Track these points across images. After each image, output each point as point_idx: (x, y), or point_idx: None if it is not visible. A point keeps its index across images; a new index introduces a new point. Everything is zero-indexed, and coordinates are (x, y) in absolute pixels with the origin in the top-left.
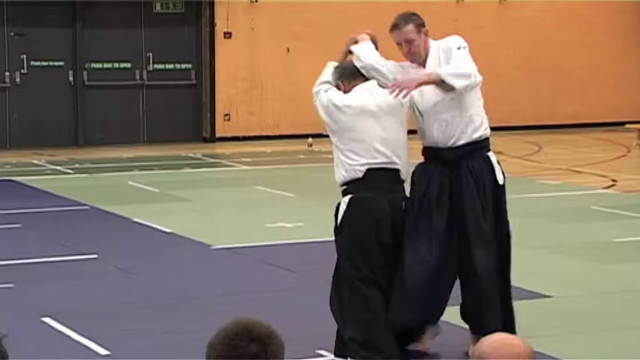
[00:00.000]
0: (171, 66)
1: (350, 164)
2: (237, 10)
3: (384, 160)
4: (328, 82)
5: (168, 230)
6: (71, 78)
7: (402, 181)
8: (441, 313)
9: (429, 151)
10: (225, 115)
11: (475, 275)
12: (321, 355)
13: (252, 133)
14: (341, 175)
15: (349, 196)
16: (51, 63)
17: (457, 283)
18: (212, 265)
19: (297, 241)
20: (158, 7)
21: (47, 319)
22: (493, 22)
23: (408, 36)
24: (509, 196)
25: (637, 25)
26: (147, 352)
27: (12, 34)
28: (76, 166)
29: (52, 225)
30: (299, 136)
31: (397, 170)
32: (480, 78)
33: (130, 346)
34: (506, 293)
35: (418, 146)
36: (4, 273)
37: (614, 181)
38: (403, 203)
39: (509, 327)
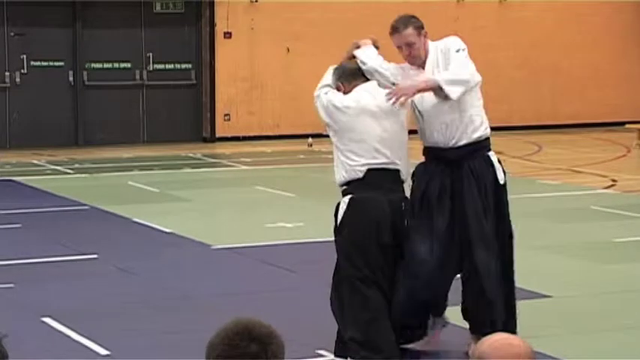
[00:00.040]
0: (171, 66)
1: (350, 164)
2: (237, 10)
3: (384, 160)
4: (329, 85)
5: (168, 230)
6: (71, 78)
7: (402, 182)
8: (444, 308)
9: (429, 151)
10: (225, 115)
11: (476, 275)
12: (321, 355)
13: (252, 133)
14: (341, 175)
15: (349, 196)
16: (51, 63)
17: (457, 283)
18: (212, 265)
19: (297, 241)
20: (158, 7)
21: (47, 319)
22: (493, 22)
23: (408, 39)
24: (509, 196)
25: (637, 25)
26: (147, 352)
27: (12, 34)
28: (76, 166)
29: (52, 225)
30: (299, 136)
31: (397, 171)
32: (479, 78)
33: (130, 346)
34: (509, 293)
35: (418, 146)
36: (4, 273)
37: (614, 181)
38: (403, 203)
39: (510, 327)
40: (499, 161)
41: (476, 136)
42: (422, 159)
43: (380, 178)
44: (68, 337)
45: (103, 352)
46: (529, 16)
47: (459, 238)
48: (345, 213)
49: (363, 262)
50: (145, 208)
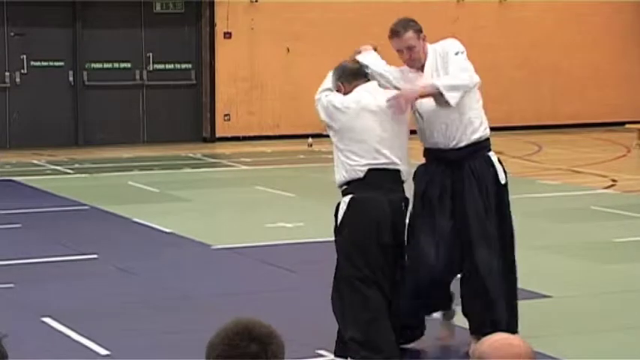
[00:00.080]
0: (171, 66)
1: (351, 165)
2: (237, 10)
3: (384, 160)
4: (329, 89)
5: (168, 230)
6: (71, 78)
7: (403, 182)
8: (449, 303)
9: (430, 153)
10: (225, 115)
11: (478, 274)
12: (321, 355)
13: (252, 133)
14: (341, 175)
15: (349, 196)
16: (51, 63)
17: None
18: (212, 265)
19: (297, 241)
20: (158, 7)
21: (47, 319)
22: (493, 22)
23: (408, 43)
24: (510, 196)
25: (637, 25)
26: (147, 352)
27: (12, 34)
28: (76, 166)
29: (52, 225)
30: (299, 136)
31: (398, 171)
32: (477, 79)
33: (130, 346)
34: (511, 293)
35: (418, 146)
36: (4, 273)
37: (614, 181)
38: (403, 204)
39: (511, 327)
40: (499, 161)
41: (475, 137)
42: (422, 159)
43: (380, 178)
44: (68, 337)
45: (103, 352)
46: (529, 16)
47: (461, 239)
48: (345, 213)
49: (364, 262)
50: (145, 208)
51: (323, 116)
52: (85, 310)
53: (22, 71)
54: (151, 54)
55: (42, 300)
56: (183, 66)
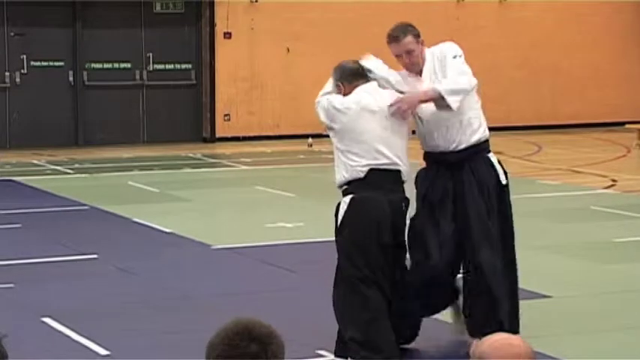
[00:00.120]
0: (171, 66)
1: (351, 165)
2: (237, 10)
3: (385, 161)
4: (330, 93)
5: (168, 230)
6: (71, 78)
7: (403, 182)
8: (452, 299)
9: (430, 156)
10: (225, 115)
11: (482, 274)
12: (321, 355)
13: (252, 133)
14: (342, 176)
15: (350, 196)
16: (51, 63)
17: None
18: (212, 265)
19: (297, 241)
20: (158, 7)
21: (47, 319)
22: (493, 22)
23: (408, 47)
24: (510, 197)
25: (637, 25)
26: (147, 352)
27: (12, 34)
28: (76, 166)
29: (52, 225)
30: (299, 136)
31: (398, 171)
32: (475, 82)
33: (130, 346)
34: (512, 293)
35: (418, 146)
36: (4, 273)
37: (614, 181)
38: (403, 204)
39: (513, 327)
40: (499, 162)
41: (474, 139)
42: (421, 159)
43: (381, 179)
44: (68, 337)
45: (103, 352)
46: (529, 16)
47: (463, 240)
48: (345, 213)
49: (364, 262)
50: (145, 208)
51: (323, 118)
52: (85, 310)
53: (22, 71)
54: (150, 54)
55: (42, 300)
56: (183, 66)
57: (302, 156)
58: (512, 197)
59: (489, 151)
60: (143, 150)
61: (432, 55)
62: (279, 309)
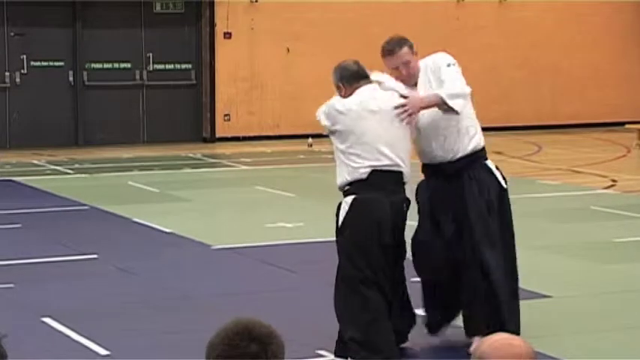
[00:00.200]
0: (171, 66)
1: (354, 167)
2: (237, 10)
3: (387, 162)
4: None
5: (168, 230)
6: (71, 78)
7: (404, 184)
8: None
9: (428, 168)
10: (225, 115)
11: (483, 274)
12: (321, 355)
13: (252, 133)
14: (344, 177)
15: (352, 197)
16: (51, 63)
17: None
18: (212, 265)
19: (297, 241)
20: (158, 7)
21: (47, 319)
22: (493, 22)
23: (404, 58)
24: (510, 201)
25: (637, 25)
26: (147, 352)
27: (12, 34)
28: (76, 166)
29: (52, 225)
30: (299, 136)
31: (400, 172)
32: (469, 90)
33: (130, 346)
34: (513, 293)
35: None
36: (4, 273)
37: (614, 181)
38: (404, 205)
39: (513, 327)
40: (497, 168)
41: (471, 147)
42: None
43: (383, 180)
44: (68, 337)
45: (103, 352)
46: (529, 16)
47: (464, 240)
48: (347, 213)
49: (365, 262)
50: (144, 208)
51: (324, 121)
52: (85, 310)
53: (22, 71)
54: (150, 54)
55: (42, 300)
56: (183, 66)
57: (302, 156)
58: (513, 197)
59: (486, 158)
60: (143, 150)
61: (426, 66)
62: (279, 309)
